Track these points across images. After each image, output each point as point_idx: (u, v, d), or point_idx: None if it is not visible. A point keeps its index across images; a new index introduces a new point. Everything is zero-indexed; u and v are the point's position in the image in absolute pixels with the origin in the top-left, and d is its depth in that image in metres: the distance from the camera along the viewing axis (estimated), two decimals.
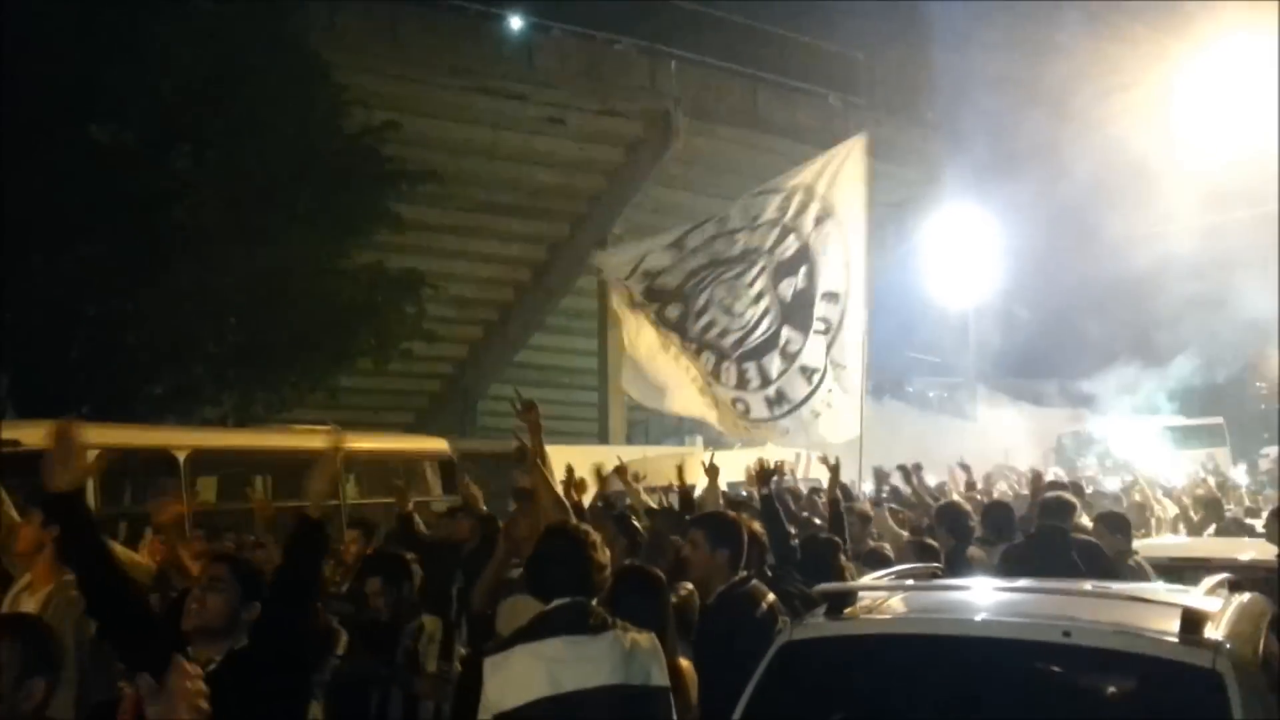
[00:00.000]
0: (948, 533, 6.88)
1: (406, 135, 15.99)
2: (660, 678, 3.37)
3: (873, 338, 10.96)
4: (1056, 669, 3.46)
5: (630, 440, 26.48)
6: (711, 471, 8.19)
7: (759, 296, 10.68)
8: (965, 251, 28.97)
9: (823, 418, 10.49)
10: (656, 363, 10.82)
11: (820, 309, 10.55)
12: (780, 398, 10.54)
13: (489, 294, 27.00)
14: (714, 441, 25.03)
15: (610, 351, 26.04)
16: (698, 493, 8.68)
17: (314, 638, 4.07)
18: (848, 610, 3.89)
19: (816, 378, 10.46)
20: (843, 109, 27.19)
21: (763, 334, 10.66)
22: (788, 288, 10.63)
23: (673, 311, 10.67)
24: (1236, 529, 10.39)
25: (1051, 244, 29.80)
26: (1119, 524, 6.72)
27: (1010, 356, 32.21)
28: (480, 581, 5.83)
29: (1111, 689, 3.47)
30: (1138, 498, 13.06)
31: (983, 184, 28.02)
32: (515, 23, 23.81)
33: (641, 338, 10.83)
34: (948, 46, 27.72)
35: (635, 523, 6.77)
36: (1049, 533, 6.40)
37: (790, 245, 10.68)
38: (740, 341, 10.66)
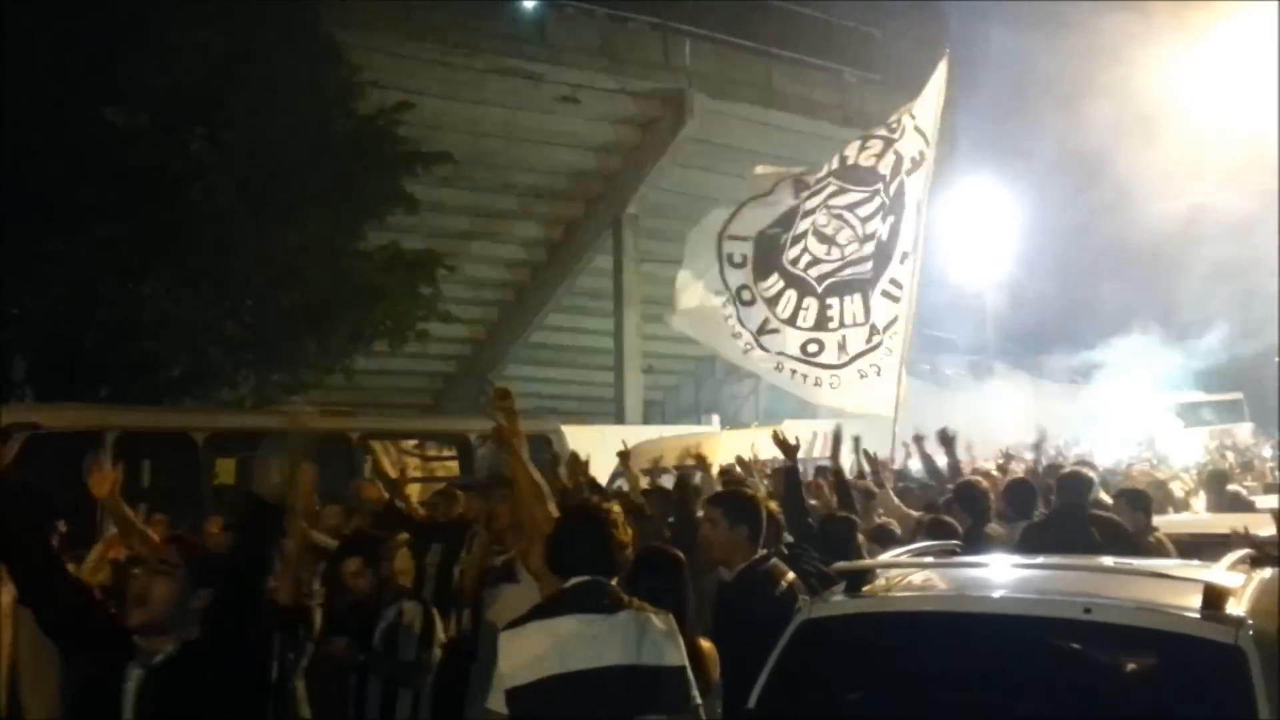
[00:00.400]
0: (964, 511, 6.86)
1: (421, 116, 15.97)
2: (675, 657, 3.36)
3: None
4: (1077, 646, 3.44)
5: (647, 420, 26.50)
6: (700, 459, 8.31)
7: (867, 233, 10.10)
8: (983, 227, 28.77)
9: (868, 381, 10.04)
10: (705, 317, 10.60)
11: (894, 269, 10.00)
12: (844, 345, 10.08)
13: (504, 275, 27.00)
14: (729, 421, 25.07)
15: (626, 331, 26.05)
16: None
17: (275, 622, 3.85)
18: (866, 588, 3.88)
19: (876, 339, 9.98)
20: (858, 85, 26.98)
21: (857, 272, 10.10)
22: (884, 230, 10.05)
23: (744, 250, 10.28)
24: (1232, 504, 10.08)
25: (1070, 218, 29.60)
26: (1140, 500, 6.68)
27: (1028, 333, 32.02)
28: (463, 570, 5.90)
29: (1133, 666, 3.45)
30: (1154, 475, 12.96)
31: (1000, 159, 27.82)
32: (528, 2, 23.71)
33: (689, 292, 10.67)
34: (963, 21, 27.47)
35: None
36: (1069, 510, 6.37)
37: (898, 182, 10.09)
38: (832, 274, 10.13)
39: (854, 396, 10.22)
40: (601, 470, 9.92)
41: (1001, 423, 24.65)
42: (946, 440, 9.50)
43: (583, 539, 3.54)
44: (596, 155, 25.51)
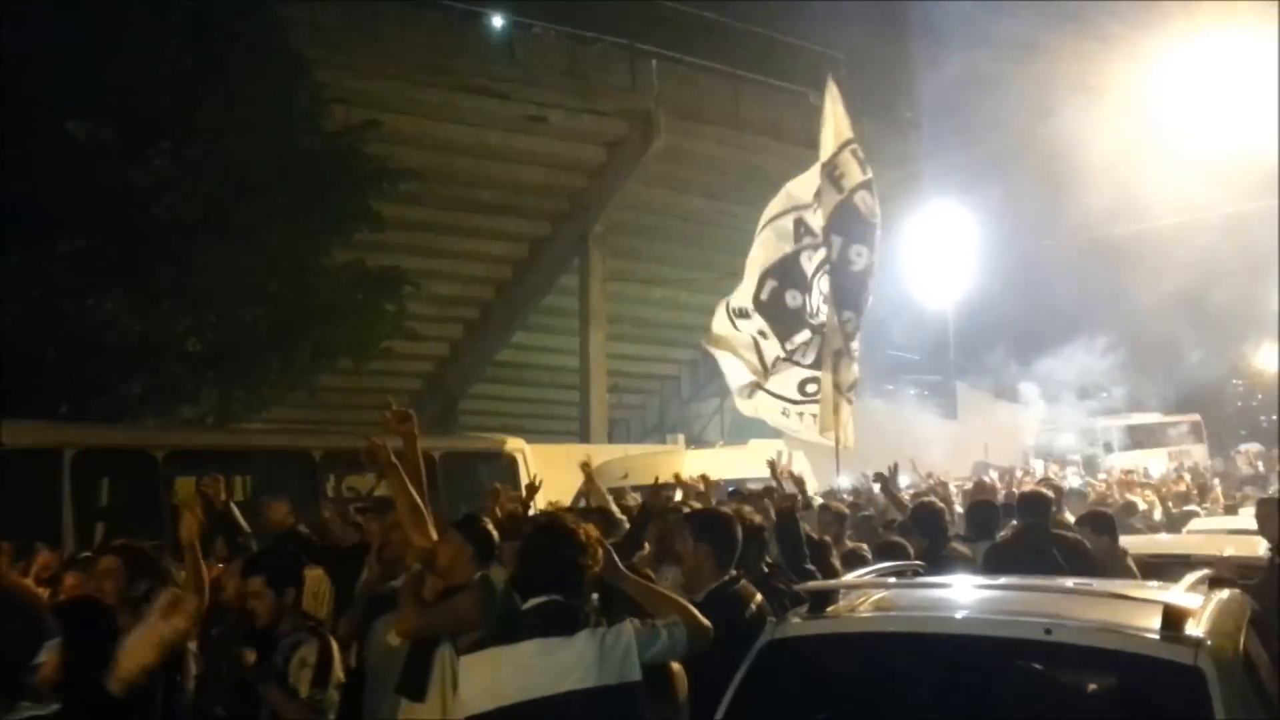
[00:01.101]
0: (922, 533, 6.86)
1: (388, 133, 15.93)
2: (634, 673, 3.32)
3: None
4: (1038, 666, 3.47)
5: (612, 438, 26.49)
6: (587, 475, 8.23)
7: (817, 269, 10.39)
8: (945, 250, 29.08)
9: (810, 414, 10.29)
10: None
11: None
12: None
13: (470, 292, 26.95)
14: (695, 440, 25.07)
15: (592, 350, 26.05)
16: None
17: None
18: (830, 609, 3.89)
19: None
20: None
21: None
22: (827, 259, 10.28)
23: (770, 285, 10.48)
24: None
25: (1031, 242, 30.00)
26: (1104, 524, 6.70)
27: (990, 354, 32.36)
28: (351, 604, 5.47)
29: (1093, 686, 3.47)
30: (1113, 495, 13.19)
31: (962, 183, 28.16)
32: (496, 21, 23.76)
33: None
34: (927, 46, 27.84)
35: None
36: (1031, 530, 6.42)
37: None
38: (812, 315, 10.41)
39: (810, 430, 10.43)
40: (566, 489, 9.89)
41: (964, 443, 24.88)
42: (881, 479, 9.73)
43: (546, 558, 3.48)
44: (563, 174, 25.55)
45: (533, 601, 3.41)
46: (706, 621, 3.58)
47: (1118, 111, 22.82)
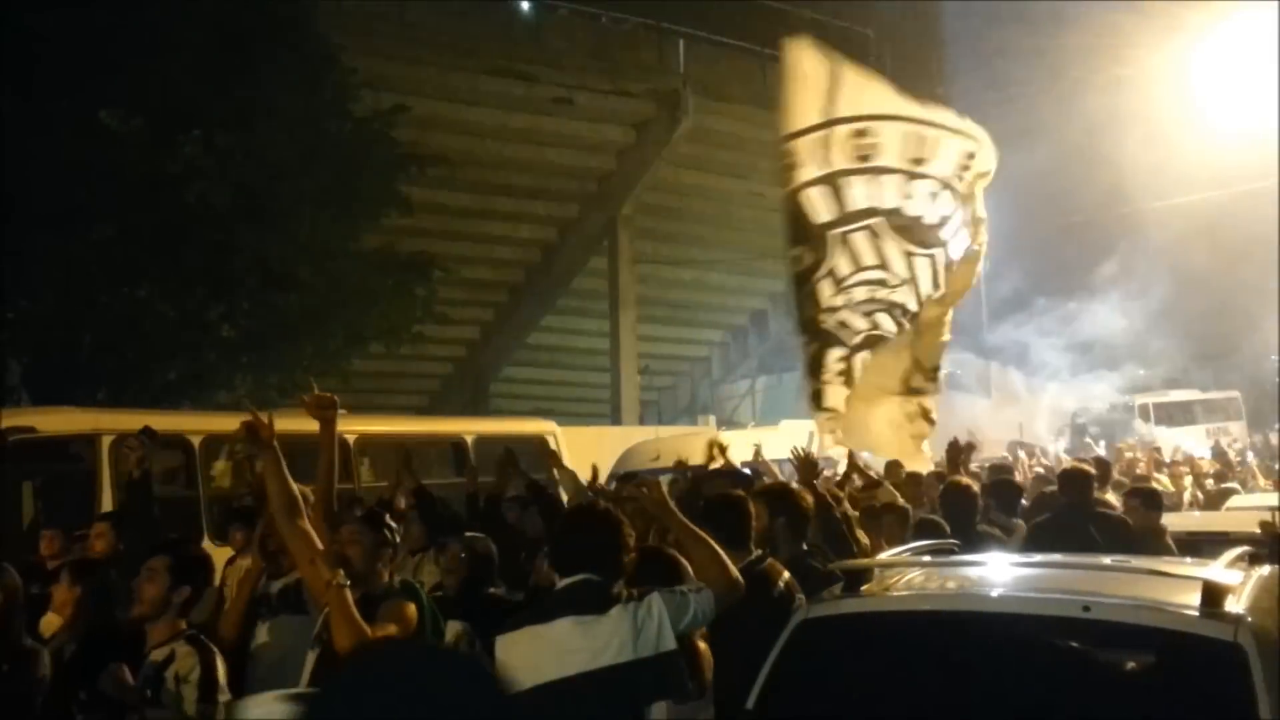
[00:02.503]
0: (950, 513, 6.79)
1: (415, 118, 15.97)
2: (670, 642, 3.34)
3: None
4: (1076, 644, 3.44)
5: (643, 420, 26.51)
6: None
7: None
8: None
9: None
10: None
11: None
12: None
13: (500, 275, 27.01)
14: (726, 421, 25.05)
15: (622, 331, 26.06)
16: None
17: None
18: (864, 587, 3.88)
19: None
20: None
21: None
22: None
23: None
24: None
25: (1065, 217, 29.65)
26: (1153, 499, 6.68)
27: (1023, 332, 32.02)
28: (229, 606, 5.06)
29: (1132, 663, 3.44)
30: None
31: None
32: (523, 3, 23.73)
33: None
34: (957, 21, 27.53)
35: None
36: (1071, 508, 6.37)
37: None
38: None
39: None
40: (600, 470, 9.89)
41: (997, 422, 24.67)
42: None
43: (583, 538, 3.52)
44: (591, 156, 25.51)
45: (567, 580, 3.46)
46: (738, 574, 3.59)
47: (1156, 82, 22.49)
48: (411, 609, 3.95)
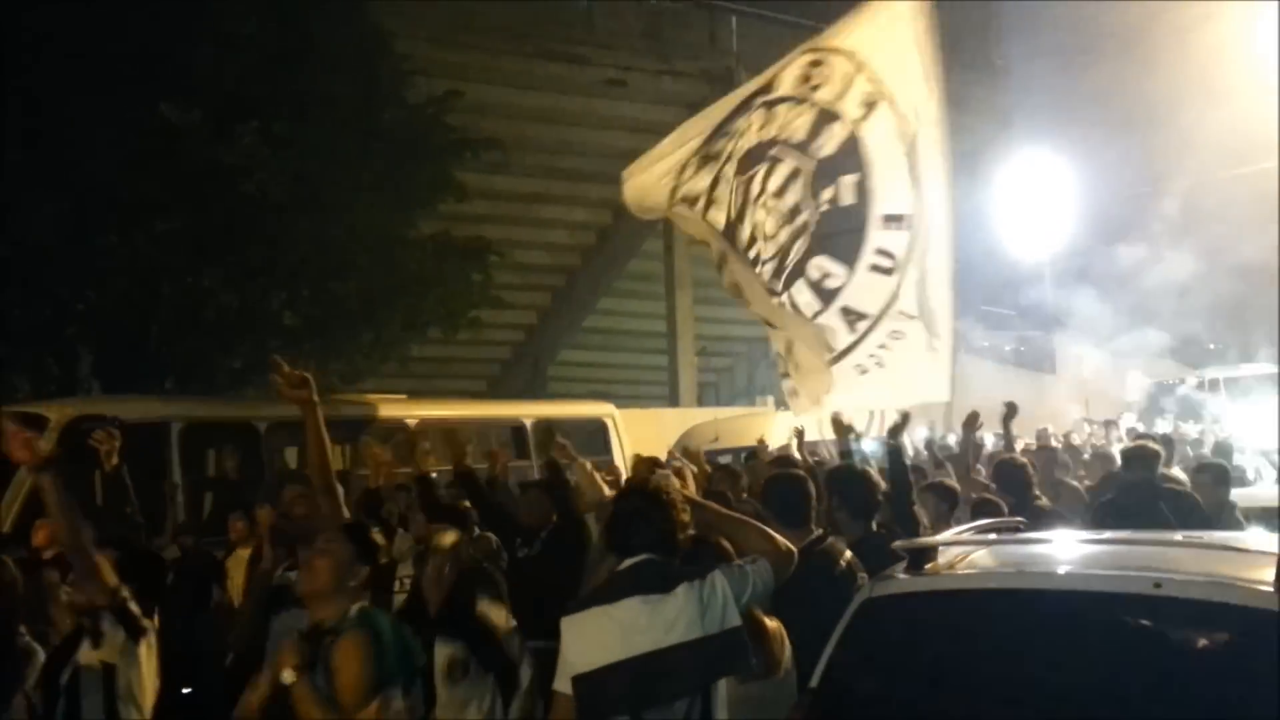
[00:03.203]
0: (1005, 490, 6.67)
1: (468, 103, 16.01)
2: (735, 618, 3.35)
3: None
4: (1147, 622, 3.37)
5: (701, 402, 26.48)
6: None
7: (792, 210, 7.80)
8: (1040, 200, 28.29)
9: (870, 376, 7.55)
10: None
11: (878, 237, 7.50)
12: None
13: (555, 260, 27.09)
14: (783, 403, 24.88)
15: (679, 313, 26.02)
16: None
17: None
18: (929, 566, 3.83)
19: (863, 326, 7.51)
20: None
21: (793, 259, 7.79)
22: (827, 197, 7.65)
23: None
24: None
25: (1129, 189, 29.01)
26: (1222, 475, 6.56)
27: (1090, 306, 31.41)
28: (245, 598, 4.91)
29: (1204, 641, 3.36)
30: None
31: (1056, 131, 27.30)
32: None
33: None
34: None
35: None
36: (1139, 485, 6.25)
37: (832, 136, 7.59)
38: (777, 273, 7.84)
39: (857, 395, 7.78)
40: (657, 453, 9.88)
41: (1063, 398, 24.26)
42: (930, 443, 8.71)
43: (642, 519, 3.51)
44: (645, 137, 25.28)
45: (628, 561, 3.47)
46: (787, 544, 3.58)
47: (1223, 47, 21.87)
48: (359, 653, 3.44)
